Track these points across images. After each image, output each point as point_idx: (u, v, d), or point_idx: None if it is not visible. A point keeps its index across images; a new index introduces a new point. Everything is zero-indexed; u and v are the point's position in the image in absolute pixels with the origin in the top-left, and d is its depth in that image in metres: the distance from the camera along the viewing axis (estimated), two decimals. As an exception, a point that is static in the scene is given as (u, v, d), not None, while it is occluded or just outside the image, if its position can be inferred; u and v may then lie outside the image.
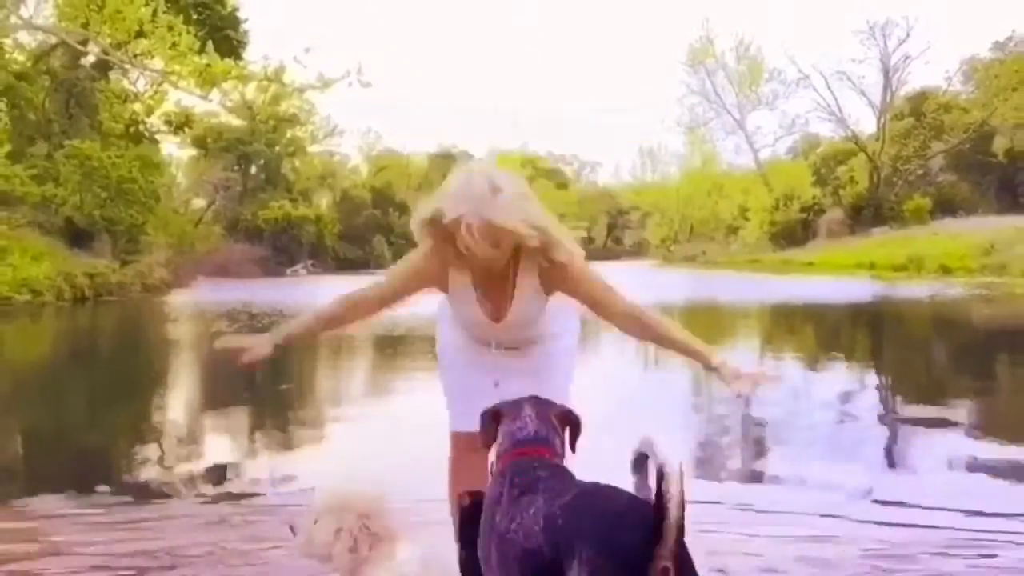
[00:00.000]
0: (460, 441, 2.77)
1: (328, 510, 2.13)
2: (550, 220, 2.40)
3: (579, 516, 1.71)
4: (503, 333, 2.59)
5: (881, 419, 6.38)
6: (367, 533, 2.11)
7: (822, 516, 3.73)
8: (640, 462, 1.91)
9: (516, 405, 2.19)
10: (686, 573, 1.60)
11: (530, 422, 2.12)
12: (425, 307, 2.79)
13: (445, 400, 2.79)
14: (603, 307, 2.57)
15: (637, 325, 2.57)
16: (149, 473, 5.16)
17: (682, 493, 1.57)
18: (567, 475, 1.97)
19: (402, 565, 2.06)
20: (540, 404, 2.19)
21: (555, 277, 2.50)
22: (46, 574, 3.10)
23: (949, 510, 3.79)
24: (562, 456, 2.11)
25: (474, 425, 2.47)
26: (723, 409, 6.73)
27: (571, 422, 2.18)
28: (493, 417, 2.20)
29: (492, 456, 2.17)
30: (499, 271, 2.47)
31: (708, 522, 3.56)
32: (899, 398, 7.33)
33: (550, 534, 1.71)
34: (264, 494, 4.42)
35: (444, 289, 2.57)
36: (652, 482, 1.65)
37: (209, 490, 4.61)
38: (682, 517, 1.57)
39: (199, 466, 5.22)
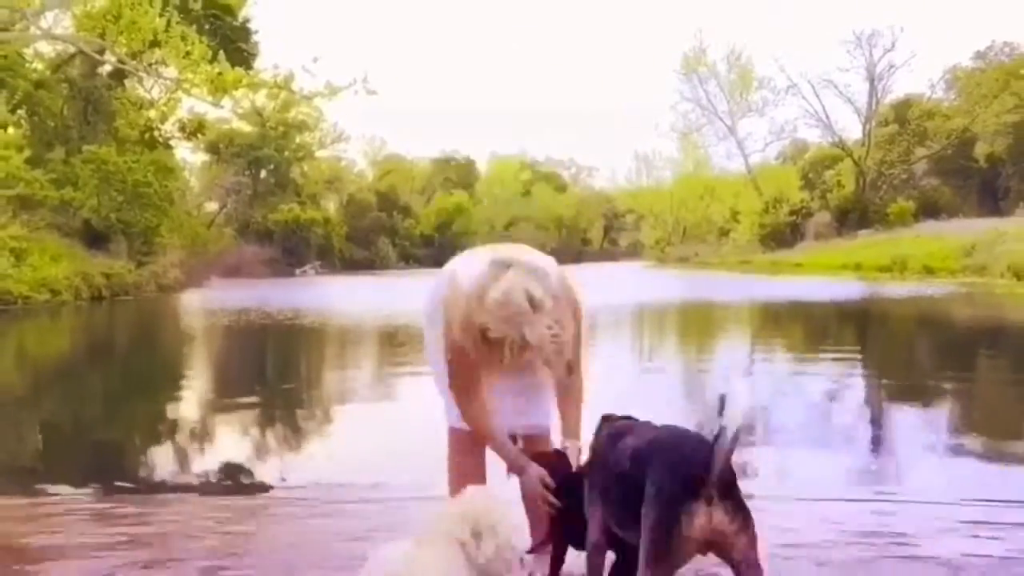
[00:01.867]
0: (465, 438, 2.75)
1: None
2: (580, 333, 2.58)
3: (655, 446, 2.14)
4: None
5: (867, 410, 6.39)
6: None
7: (812, 504, 3.70)
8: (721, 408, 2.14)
9: None
10: (731, 496, 1.99)
11: None
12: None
13: (446, 400, 2.75)
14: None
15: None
16: (163, 466, 5.14)
17: (732, 444, 1.97)
18: (651, 425, 2.38)
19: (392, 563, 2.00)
20: None
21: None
22: (59, 563, 3.09)
23: (936, 497, 3.79)
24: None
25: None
26: (715, 402, 6.75)
27: None
28: None
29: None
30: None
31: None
32: (884, 391, 7.34)
33: (635, 461, 2.14)
34: (273, 487, 4.38)
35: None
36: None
37: (220, 483, 4.57)
38: (726, 461, 1.97)
39: (211, 460, 5.20)
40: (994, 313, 15.60)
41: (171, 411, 7.20)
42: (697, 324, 15.15)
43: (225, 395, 8.14)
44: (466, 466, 2.80)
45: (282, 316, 17.03)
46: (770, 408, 6.34)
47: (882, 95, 48.28)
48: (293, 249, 54.90)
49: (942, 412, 6.18)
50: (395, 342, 12.17)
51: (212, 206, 56.35)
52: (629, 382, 7.92)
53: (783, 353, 10.45)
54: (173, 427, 6.41)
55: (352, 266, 56.56)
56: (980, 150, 44.46)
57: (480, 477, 2.80)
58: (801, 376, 8.22)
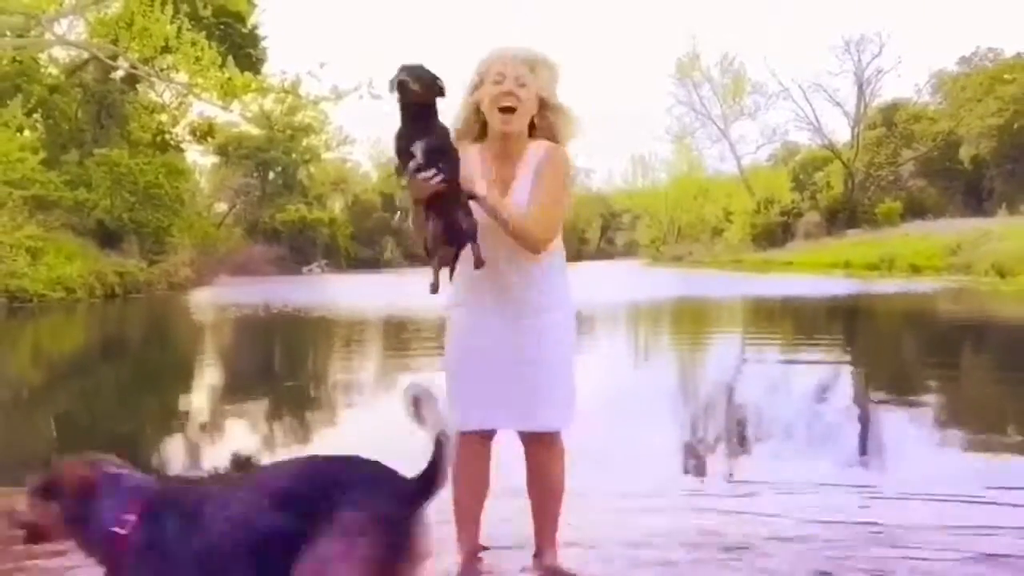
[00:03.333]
0: (470, 440, 2.60)
1: None
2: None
3: (332, 477, 1.71)
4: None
5: (855, 404, 6.40)
6: None
7: (803, 496, 3.68)
8: (416, 405, 1.81)
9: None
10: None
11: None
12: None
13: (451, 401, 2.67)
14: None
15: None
16: (175, 458, 5.10)
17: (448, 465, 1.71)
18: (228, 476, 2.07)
19: None
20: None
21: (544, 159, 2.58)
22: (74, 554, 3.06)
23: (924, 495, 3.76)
24: None
25: (483, 424, 2.63)
26: (708, 396, 6.77)
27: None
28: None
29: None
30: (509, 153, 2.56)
31: (695, 506, 3.57)
32: (872, 384, 7.35)
33: (289, 505, 1.67)
34: None
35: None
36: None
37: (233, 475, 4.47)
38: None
39: (222, 452, 5.17)
40: (981, 310, 15.62)
41: (179, 404, 7.20)
42: (691, 320, 15.16)
43: (233, 388, 8.13)
44: (471, 470, 2.67)
45: (289, 311, 17.06)
46: (761, 399, 6.36)
47: (870, 99, 48.29)
48: (300, 248, 54.96)
49: (929, 411, 6.19)
50: (400, 335, 12.17)
51: (221, 206, 56.34)
52: (626, 377, 7.94)
53: (773, 346, 10.45)
54: (181, 420, 6.40)
55: (357, 265, 56.58)
56: (965, 152, 44.43)
57: (485, 481, 2.76)
58: (790, 368, 8.22)
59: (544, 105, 2.58)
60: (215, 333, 14.51)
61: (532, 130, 2.60)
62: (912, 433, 5.17)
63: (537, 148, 2.57)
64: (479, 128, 2.60)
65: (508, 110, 2.47)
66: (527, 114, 2.53)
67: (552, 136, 2.61)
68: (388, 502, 1.67)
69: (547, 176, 2.54)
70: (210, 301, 22.60)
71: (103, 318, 18.24)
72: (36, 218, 21.61)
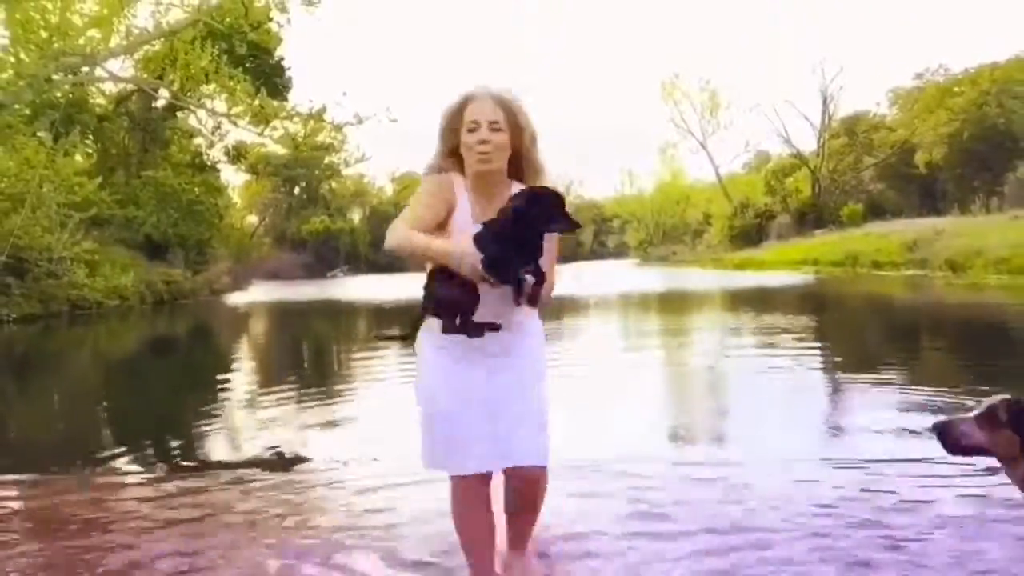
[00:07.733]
0: (467, 483, 2.31)
1: None
2: None
3: None
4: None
5: (827, 382, 6.60)
6: None
7: (783, 471, 3.64)
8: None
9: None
10: None
11: None
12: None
13: (434, 440, 2.33)
14: None
15: None
16: (217, 448, 4.95)
17: None
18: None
19: None
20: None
21: None
22: (120, 538, 3.08)
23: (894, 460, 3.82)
24: None
25: (479, 466, 2.26)
26: (693, 380, 7.00)
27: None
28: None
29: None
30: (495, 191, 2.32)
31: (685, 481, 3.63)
32: (841, 363, 7.53)
33: None
34: (312, 466, 4.11)
35: (451, 209, 2.32)
36: None
37: (265, 462, 4.31)
38: None
39: (260, 441, 4.95)
40: (935, 299, 15.85)
41: (221, 396, 7.18)
42: (677, 309, 15.40)
43: (270, 381, 8.18)
44: (476, 509, 2.37)
45: (319, 305, 17.30)
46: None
47: (833, 112, 48.50)
48: (324, 255, 55.26)
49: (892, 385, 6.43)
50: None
51: (253, 219, 56.63)
52: (622, 352, 8.15)
53: (749, 332, 10.66)
54: (223, 411, 6.27)
55: (376, 269, 56.82)
56: (920, 158, 44.55)
57: (491, 528, 2.41)
58: (765, 352, 8.42)
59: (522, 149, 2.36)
60: (251, 331, 14.80)
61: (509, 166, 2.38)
62: (875, 404, 5.35)
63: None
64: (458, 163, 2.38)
65: (485, 154, 2.28)
66: (503, 156, 2.33)
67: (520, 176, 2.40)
68: None
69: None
70: (246, 303, 22.88)
71: (153, 322, 18.49)
72: (92, 234, 21.88)
